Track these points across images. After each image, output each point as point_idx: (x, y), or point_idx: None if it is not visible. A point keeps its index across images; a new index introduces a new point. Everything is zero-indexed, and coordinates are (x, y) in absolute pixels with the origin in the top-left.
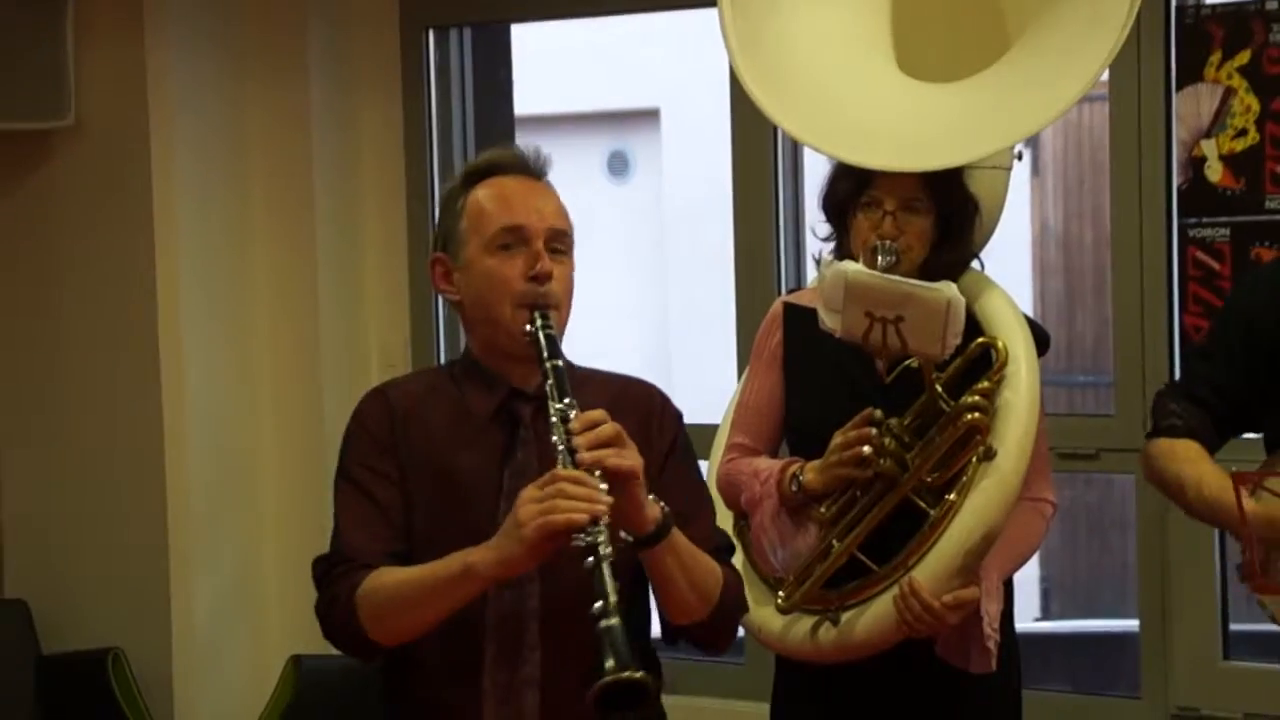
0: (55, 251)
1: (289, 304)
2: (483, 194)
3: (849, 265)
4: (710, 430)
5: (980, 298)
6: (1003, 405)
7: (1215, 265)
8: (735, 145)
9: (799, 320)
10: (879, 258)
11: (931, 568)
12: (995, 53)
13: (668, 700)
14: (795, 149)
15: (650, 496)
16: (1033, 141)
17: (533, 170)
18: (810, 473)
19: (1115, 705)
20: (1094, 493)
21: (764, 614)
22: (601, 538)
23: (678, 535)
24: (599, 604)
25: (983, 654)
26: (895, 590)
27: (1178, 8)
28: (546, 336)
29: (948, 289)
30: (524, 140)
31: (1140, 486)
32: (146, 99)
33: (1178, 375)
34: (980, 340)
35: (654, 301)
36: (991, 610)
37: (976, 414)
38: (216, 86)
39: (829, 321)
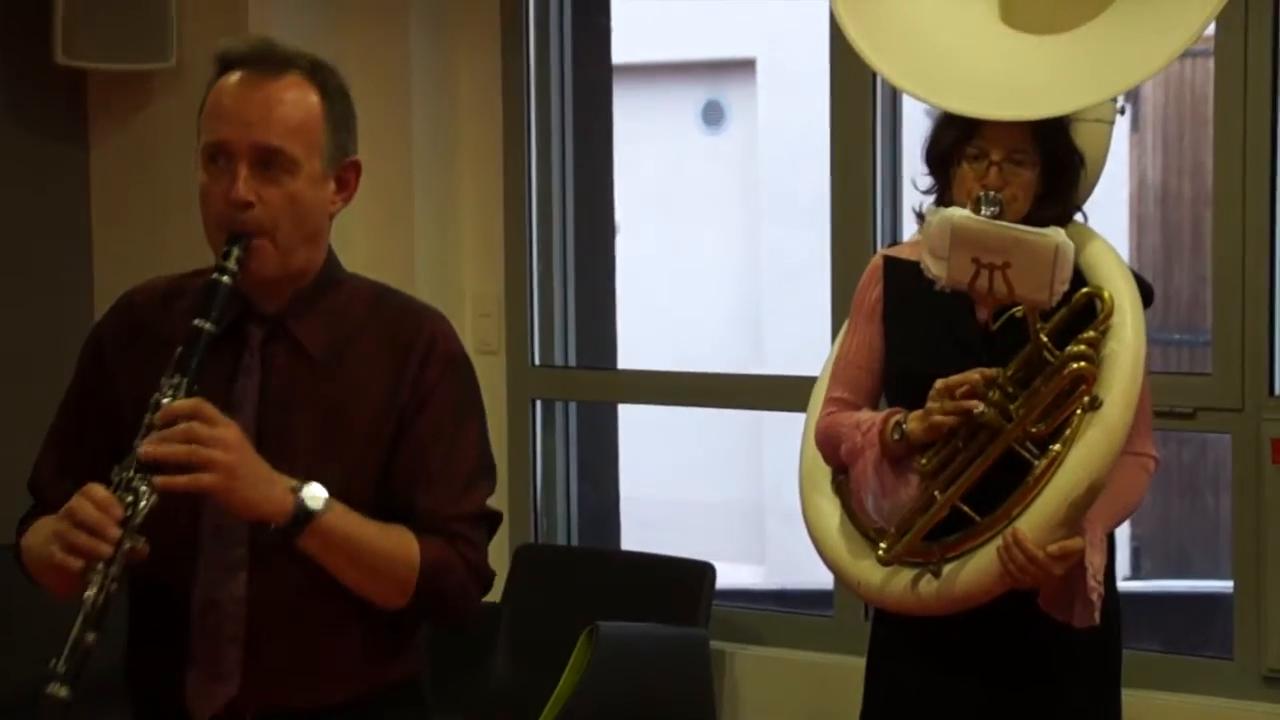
0: (157, 193)
1: (385, 252)
2: (210, 94)
3: (955, 211)
4: (802, 382)
5: (1085, 248)
6: (1108, 355)
7: None
8: (833, 95)
9: (899, 273)
10: (983, 208)
11: (1035, 518)
12: (1100, 4)
13: (756, 651)
14: (894, 100)
15: (293, 484)
16: (1132, 96)
17: (270, 62)
18: (913, 421)
19: (1208, 665)
20: (1188, 452)
21: (863, 567)
22: (97, 577)
23: (336, 523)
24: (53, 661)
25: (1087, 606)
26: (998, 542)
27: None
28: (214, 283)
29: (1056, 234)
30: (620, 89)
31: (1237, 446)
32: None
33: (1277, 335)
34: (1085, 290)
35: (746, 253)
36: (1096, 562)
37: (1083, 363)
38: (317, 33)
39: (934, 269)
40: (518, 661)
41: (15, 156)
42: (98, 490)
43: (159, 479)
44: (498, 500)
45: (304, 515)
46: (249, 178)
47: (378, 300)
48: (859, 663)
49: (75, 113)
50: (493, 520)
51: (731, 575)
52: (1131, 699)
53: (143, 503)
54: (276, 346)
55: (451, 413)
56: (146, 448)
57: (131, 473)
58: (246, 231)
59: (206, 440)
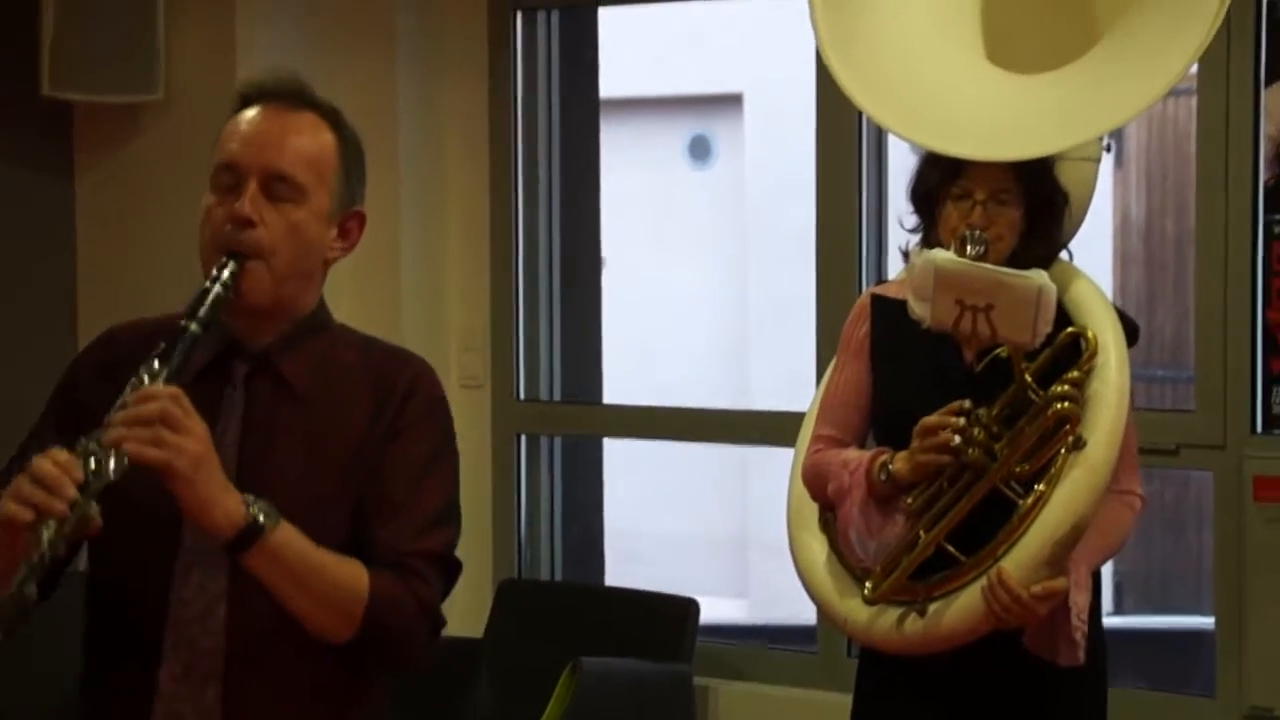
0: (144, 225)
1: (371, 284)
2: (228, 123)
3: (939, 253)
4: (786, 417)
5: (1069, 288)
6: (1093, 395)
7: None
8: (820, 132)
9: (887, 312)
10: (968, 247)
11: (1020, 558)
12: (1085, 45)
13: (740, 687)
14: (880, 138)
15: (248, 498)
16: (1116, 134)
17: (292, 98)
18: (899, 462)
19: (1190, 703)
20: (1171, 489)
21: (850, 605)
22: (45, 543)
23: (287, 545)
24: None
25: (1071, 646)
26: (983, 581)
27: (1268, 2)
28: (206, 291)
29: (1039, 277)
30: (607, 123)
31: (1219, 483)
32: (235, 75)
33: (1259, 372)
34: (1070, 330)
35: (733, 288)
36: (1080, 602)
37: (1067, 404)
38: (304, 64)
39: (918, 310)
40: (500, 697)
41: (1, 188)
42: (59, 453)
43: (130, 446)
44: (481, 534)
45: (254, 529)
46: (257, 198)
47: (365, 346)
48: (843, 699)
49: (62, 145)
50: (452, 567)
51: (715, 610)
52: None
53: (106, 470)
54: (261, 381)
55: (424, 451)
56: (118, 417)
57: (97, 444)
58: (244, 251)
59: (179, 425)
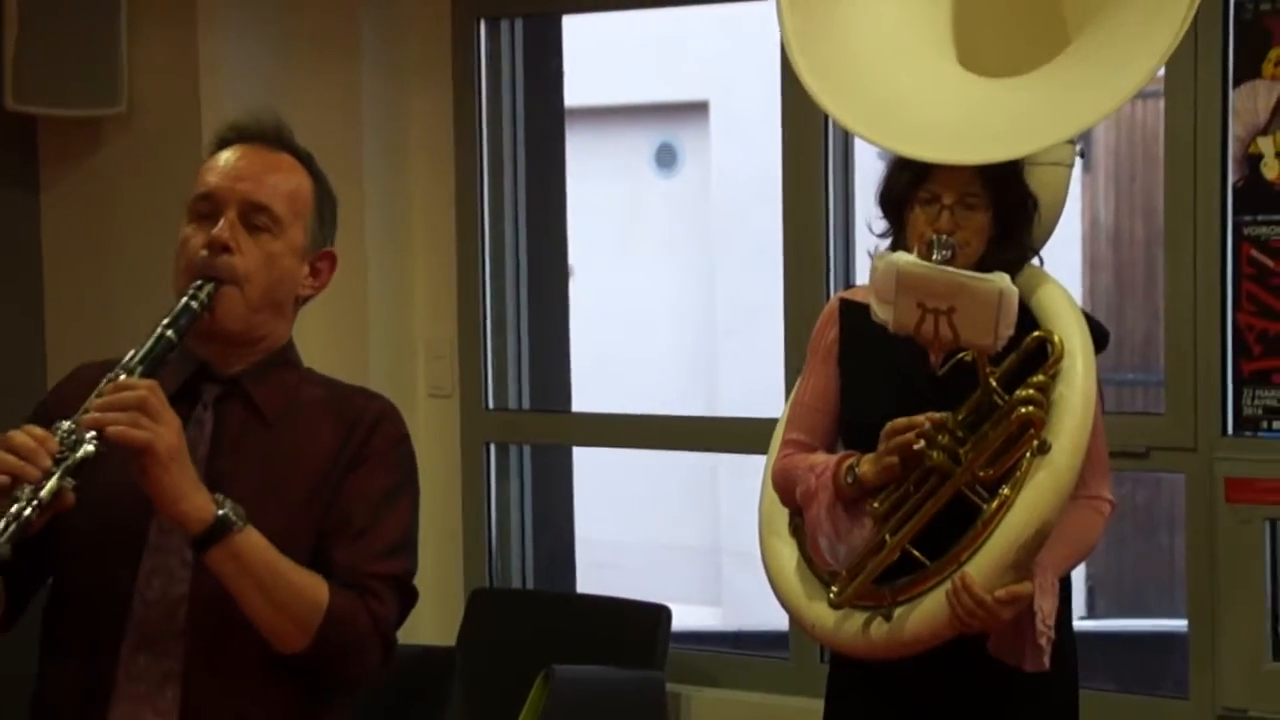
0: (109, 236)
1: (337, 295)
2: (206, 161)
3: (901, 256)
4: (755, 424)
5: (1036, 292)
6: (1058, 399)
7: (1270, 263)
8: (785, 138)
9: (855, 316)
10: (935, 252)
11: (984, 562)
12: (1055, 49)
13: (712, 694)
14: (846, 143)
15: (218, 497)
16: (1085, 137)
17: (271, 140)
18: (865, 464)
19: (1162, 705)
20: (1142, 492)
21: (818, 610)
22: (19, 505)
23: (252, 547)
24: None
25: (1036, 652)
26: (947, 585)
27: (1236, 4)
28: (184, 306)
29: (1000, 279)
30: (573, 132)
31: (1190, 485)
32: (198, 87)
33: (1229, 374)
34: (1036, 334)
35: (700, 295)
36: (1045, 607)
37: (1031, 408)
38: (268, 76)
39: (881, 313)
40: (472, 706)
41: None
42: (35, 428)
43: (111, 428)
44: (452, 543)
45: (223, 526)
46: (235, 225)
47: (331, 384)
48: (815, 705)
49: (26, 158)
50: (408, 593)
51: (687, 617)
52: None
53: (79, 450)
54: (231, 403)
55: (387, 482)
56: (97, 403)
57: (74, 427)
58: (219, 276)
59: (157, 414)
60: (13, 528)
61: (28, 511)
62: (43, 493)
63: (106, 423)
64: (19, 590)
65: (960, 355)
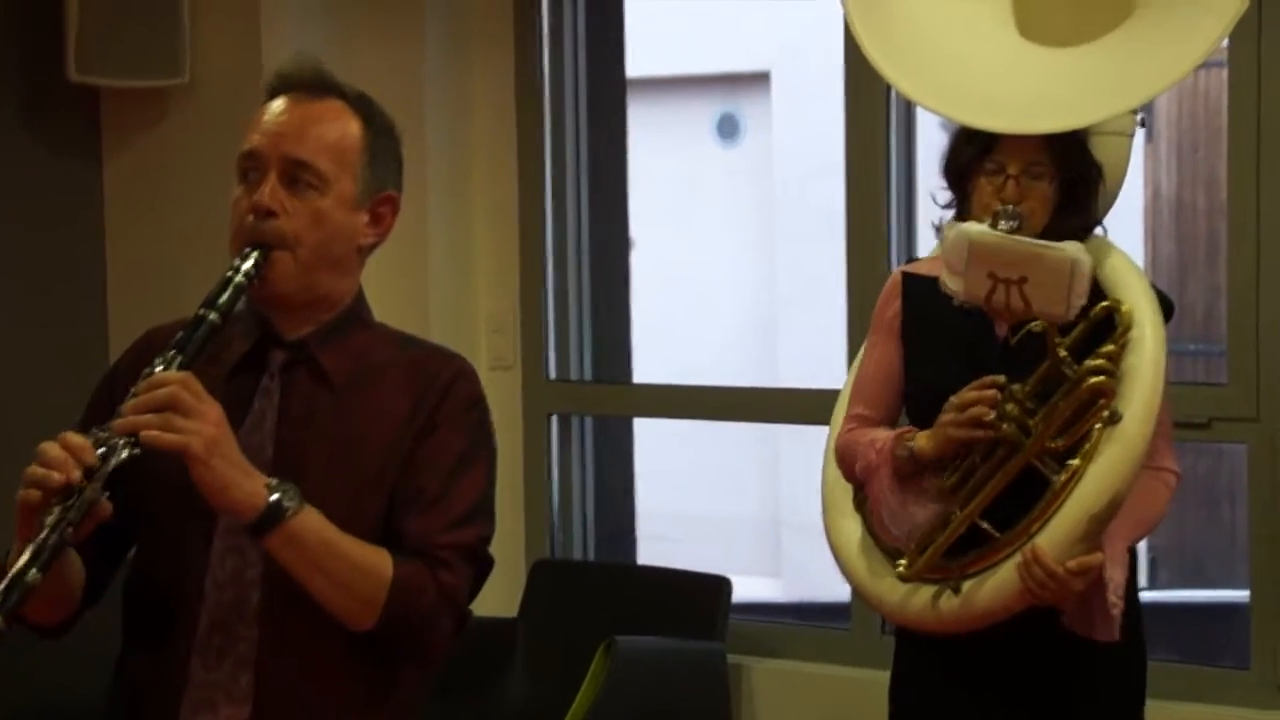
0: (172, 208)
1: (399, 266)
2: (256, 115)
3: (972, 226)
4: (816, 396)
5: (1104, 262)
6: (1128, 369)
7: None
8: (848, 109)
9: (918, 289)
10: (1001, 222)
11: (1055, 534)
12: (1118, 18)
13: (773, 665)
14: (909, 114)
15: (271, 481)
16: (1146, 107)
17: (316, 87)
18: (922, 439)
19: (1224, 676)
20: (1204, 462)
21: (884, 585)
22: (51, 517)
23: (310, 529)
24: None
25: (1107, 622)
26: (1018, 558)
27: None
28: (226, 280)
29: (1073, 248)
30: (634, 103)
31: (1252, 455)
32: (261, 58)
33: None
34: (1104, 304)
35: (761, 266)
36: (1116, 577)
37: (1102, 377)
38: (330, 45)
39: (951, 284)
40: (535, 677)
41: (30, 173)
42: (72, 435)
43: (145, 433)
44: (514, 515)
45: (277, 513)
46: (277, 188)
47: (404, 342)
48: (876, 675)
49: (89, 130)
50: (483, 561)
51: (748, 589)
52: (1148, 709)
53: (114, 458)
54: (299, 371)
55: (460, 447)
56: (129, 405)
57: (107, 433)
58: (266, 242)
59: (189, 410)
60: (42, 557)
61: (54, 539)
62: (72, 514)
63: (139, 426)
64: (100, 568)
65: (1030, 326)
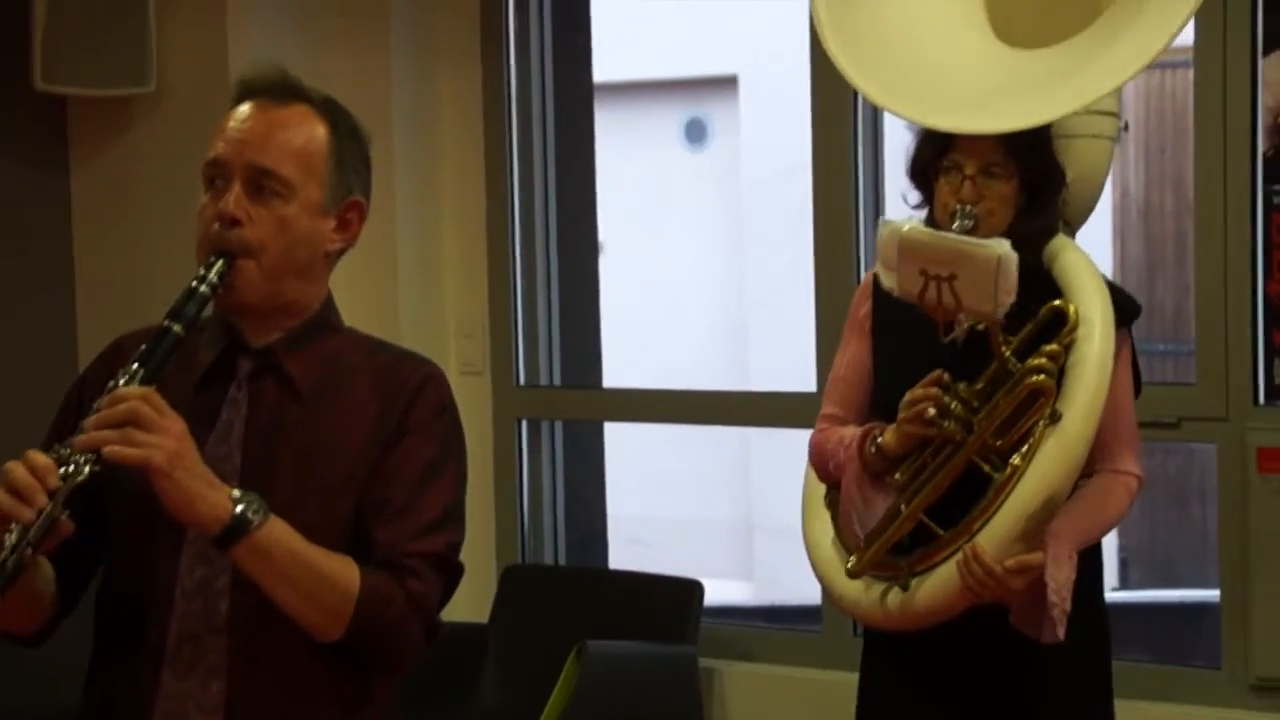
0: (139, 216)
1: (368, 272)
2: (221, 121)
3: (903, 222)
4: (786, 399)
5: (1058, 260)
6: (1071, 368)
7: None
8: (815, 112)
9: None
10: (956, 222)
11: (994, 532)
12: (1085, 20)
13: (745, 668)
14: (875, 116)
15: (235, 493)
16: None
17: (281, 92)
18: (888, 435)
19: (1195, 675)
20: (1174, 462)
21: (846, 582)
22: (12, 538)
23: (276, 540)
24: None
25: (1050, 623)
26: (959, 556)
27: None
28: (191, 291)
29: (999, 246)
30: (602, 107)
31: (1222, 455)
32: (228, 66)
33: (1260, 344)
34: (1051, 304)
35: (730, 270)
36: (1059, 578)
37: (1040, 376)
38: (297, 53)
39: (886, 280)
40: (506, 682)
41: None
42: (37, 456)
43: (107, 448)
44: (484, 520)
45: (242, 525)
46: (241, 196)
47: (374, 348)
48: (848, 678)
49: (56, 139)
50: (453, 568)
51: (719, 592)
52: (1119, 709)
53: (76, 477)
54: (266, 380)
55: (430, 454)
56: (90, 421)
57: (69, 450)
58: (231, 250)
59: (151, 424)
60: (3, 578)
61: (13, 560)
62: (32, 534)
63: (100, 442)
64: (73, 577)
65: (971, 324)
